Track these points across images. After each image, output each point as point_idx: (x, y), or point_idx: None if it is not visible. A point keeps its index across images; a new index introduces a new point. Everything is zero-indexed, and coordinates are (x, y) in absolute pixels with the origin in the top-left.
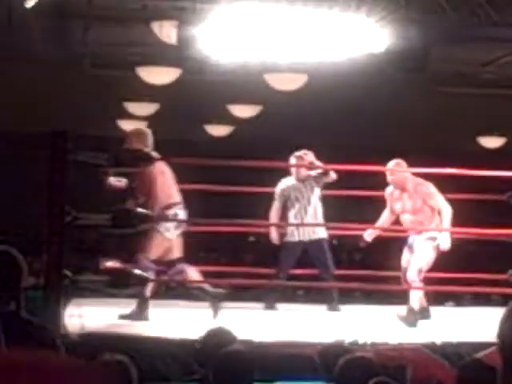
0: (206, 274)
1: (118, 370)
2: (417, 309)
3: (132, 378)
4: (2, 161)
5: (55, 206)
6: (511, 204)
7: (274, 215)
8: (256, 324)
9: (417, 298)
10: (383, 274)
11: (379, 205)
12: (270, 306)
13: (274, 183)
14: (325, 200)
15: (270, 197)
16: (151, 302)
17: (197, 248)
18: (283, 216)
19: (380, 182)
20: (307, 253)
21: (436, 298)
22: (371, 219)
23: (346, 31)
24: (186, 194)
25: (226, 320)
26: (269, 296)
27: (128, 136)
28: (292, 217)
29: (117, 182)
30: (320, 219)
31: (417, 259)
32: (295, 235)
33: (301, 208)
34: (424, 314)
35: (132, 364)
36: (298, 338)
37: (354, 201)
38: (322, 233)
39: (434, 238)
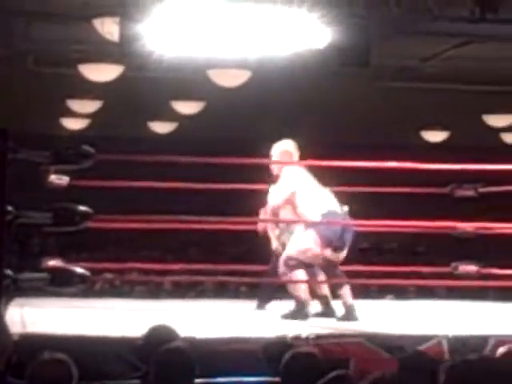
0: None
1: (58, 369)
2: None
3: (72, 377)
4: None
5: None
6: (454, 196)
7: None
8: (200, 320)
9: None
10: None
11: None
12: (262, 305)
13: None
14: None
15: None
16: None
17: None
18: None
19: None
20: None
21: (379, 292)
22: None
23: (288, 27)
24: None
25: (170, 317)
26: (262, 294)
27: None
28: None
29: (58, 179)
30: None
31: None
32: None
33: None
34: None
35: (72, 362)
36: (240, 333)
37: None
38: None
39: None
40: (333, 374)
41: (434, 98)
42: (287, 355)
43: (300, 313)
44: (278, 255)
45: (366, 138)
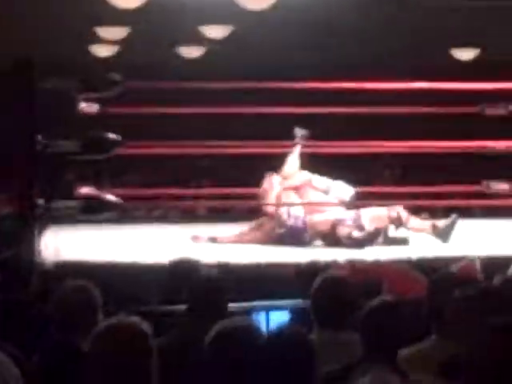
0: None
1: (82, 296)
2: None
3: (96, 303)
4: None
5: (25, 134)
6: (485, 115)
7: None
8: (231, 247)
9: None
10: None
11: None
12: None
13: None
14: None
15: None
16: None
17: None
18: None
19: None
20: None
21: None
22: None
23: None
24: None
25: (203, 242)
26: None
27: None
28: None
29: (88, 107)
30: None
31: None
32: None
33: None
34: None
35: (97, 289)
36: (272, 258)
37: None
38: None
39: None
40: (377, 300)
41: (465, 16)
42: (318, 279)
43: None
44: None
45: (396, 58)
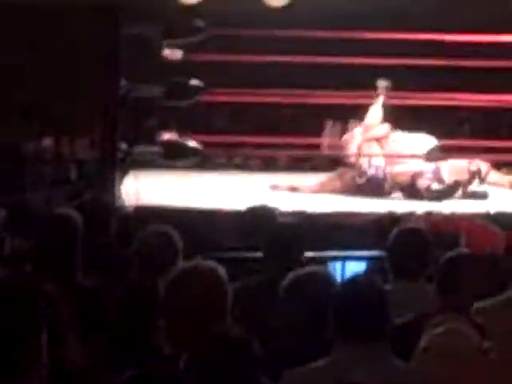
0: None
1: (164, 241)
2: None
3: (177, 248)
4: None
5: (109, 79)
6: None
7: None
8: (309, 196)
9: None
10: None
11: None
12: None
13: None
14: None
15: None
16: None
17: None
18: None
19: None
20: None
21: None
22: None
23: None
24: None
25: (282, 191)
26: None
27: None
28: None
29: (172, 53)
30: None
31: None
32: None
33: None
34: None
35: (177, 235)
36: (350, 208)
37: None
38: None
39: None
40: (454, 252)
41: None
42: (394, 231)
43: None
44: None
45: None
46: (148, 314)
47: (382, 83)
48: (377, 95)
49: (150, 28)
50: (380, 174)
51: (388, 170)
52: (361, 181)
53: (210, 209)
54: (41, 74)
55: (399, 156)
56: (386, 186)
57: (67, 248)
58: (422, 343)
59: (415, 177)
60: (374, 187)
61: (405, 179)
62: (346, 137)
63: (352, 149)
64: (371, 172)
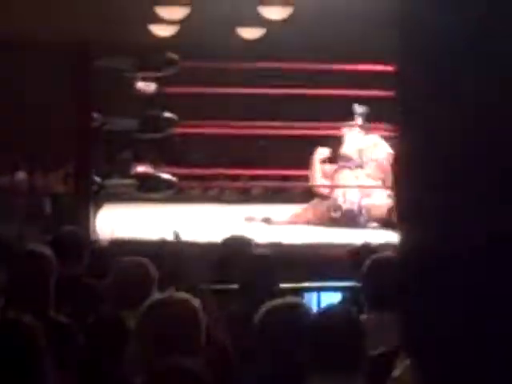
0: None
1: (139, 272)
2: None
3: (152, 280)
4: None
5: (82, 112)
6: None
7: None
8: (284, 228)
9: None
10: None
11: None
12: None
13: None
14: None
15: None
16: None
17: None
18: None
19: None
20: None
21: None
22: None
23: None
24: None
25: (257, 222)
26: None
27: None
28: None
29: (145, 86)
30: None
31: None
32: None
33: None
34: None
35: (152, 266)
36: (325, 239)
37: None
38: None
39: None
40: None
41: None
42: (368, 261)
43: None
44: None
45: None
46: (118, 345)
47: (358, 109)
48: (354, 121)
49: (123, 61)
50: (355, 208)
51: (363, 202)
52: (336, 214)
53: (185, 241)
54: (14, 109)
55: (374, 187)
56: (362, 220)
57: (40, 283)
58: (395, 373)
59: (392, 210)
60: (349, 221)
61: (381, 212)
62: (316, 166)
63: (321, 180)
64: (346, 206)
